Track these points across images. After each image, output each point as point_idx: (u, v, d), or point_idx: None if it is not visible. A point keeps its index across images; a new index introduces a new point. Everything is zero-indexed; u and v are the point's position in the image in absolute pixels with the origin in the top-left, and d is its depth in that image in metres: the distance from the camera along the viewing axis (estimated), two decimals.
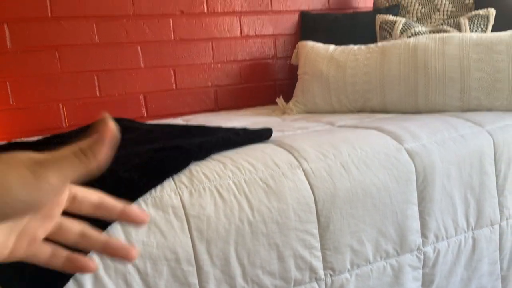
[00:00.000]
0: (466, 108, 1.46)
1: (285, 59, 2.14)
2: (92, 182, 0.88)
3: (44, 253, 0.39)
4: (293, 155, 1.06)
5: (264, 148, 1.09)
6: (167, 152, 1.00)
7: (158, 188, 0.92)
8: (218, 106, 2.00)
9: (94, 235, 0.41)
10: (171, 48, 1.87)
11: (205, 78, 1.95)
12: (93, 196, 0.41)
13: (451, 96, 1.45)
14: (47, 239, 0.39)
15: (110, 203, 0.41)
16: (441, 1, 1.86)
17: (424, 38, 1.54)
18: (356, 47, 1.68)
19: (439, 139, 1.21)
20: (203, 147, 1.02)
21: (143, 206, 0.88)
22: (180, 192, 0.92)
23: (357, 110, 1.64)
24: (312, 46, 1.78)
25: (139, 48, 1.82)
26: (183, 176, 0.95)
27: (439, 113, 1.46)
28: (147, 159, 0.98)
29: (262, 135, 1.17)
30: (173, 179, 0.94)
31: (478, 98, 1.43)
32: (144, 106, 1.85)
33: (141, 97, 1.84)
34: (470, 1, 1.83)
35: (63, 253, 0.40)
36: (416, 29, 1.74)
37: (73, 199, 0.40)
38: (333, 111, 1.68)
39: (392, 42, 1.61)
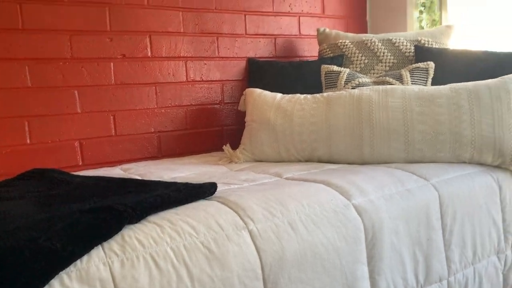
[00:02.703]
0: (410, 159, 1.46)
1: (232, 105, 2.10)
2: (6, 254, 0.76)
3: None
4: (238, 214, 0.99)
5: (208, 206, 1.01)
6: (96, 215, 0.90)
7: (85, 258, 0.81)
8: (162, 153, 1.91)
9: None
10: (111, 93, 1.78)
11: (148, 124, 1.87)
12: None
13: (396, 148, 1.46)
14: None
15: None
16: (383, 53, 1.92)
17: (367, 90, 1.56)
18: (302, 96, 1.67)
19: (386, 194, 1.19)
20: (138, 208, 0.93)
21: (66, 281, 0.77)
22: (110, 262, 0.82)
23: (304, 159, 1.61)
24: (260, 94, 1.76)
25: (76, 92, 1.71)
26: (114, 243, 0.85)
27: (385, 164, 1.46)
28: (72, 223, 0.87)
29: (205, 192, 1.09)
30: (102, 246, 0.84)
31: (422, 150, 1.44)
32: (79, 154, 1.72)
33: (77, 144, 1.72)
34: (411, 54, 1.90)
35: None
36: (360, 80, 1.76)
37: None
38: (281, 160, 1.64)
39: (337, 93, 1.61)
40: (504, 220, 1.39)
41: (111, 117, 1.79)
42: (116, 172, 1.59)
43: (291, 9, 2.22)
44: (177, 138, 1.95)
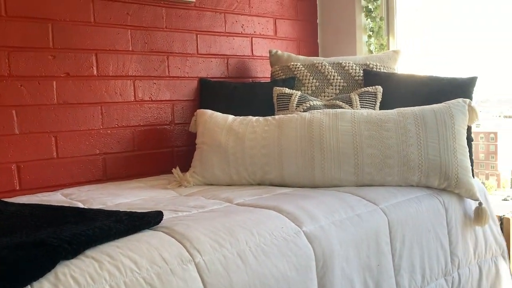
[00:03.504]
0: (360, 182, 1.47)
1: (183, 125, 2.05)
2: None
3: None
4: (184, 246, 0.94)
5: (151, 238, 0.96)
6: (27, 251, 0.82)
7: None
8: (107, 176, 1.81)
9: None
10: (53, 113, 1.68)
11: (93, 145, 1.78)
12: None
13: (346, 171, 1.46)
14: None
15: None
16: (334, 76, 1.95)
17: (318, 114, 1.56)
18: (254, 118, 1.66)
19: (336, 220, 1.18)
20: (75, 241, 0.86)
21: None
22: None
23: (256, 182, 1.58)
24: (211, 115, 1.72)
25: (14, 112, 1.60)
26: (45, 282, 0.78)
27: (336, 187, 1.45)
28: None
29: (150, 221, 1.04)
30: (31, 287, 0.76)
31: (371, 173, 1.45)
32: (16, 178, 1.60)
33: (14, 167, 1.60)
34: (360, 78, 1.93)
35: None
36: (311, 103, 1.77)
37: None
38: (232, 183, 1.60)
39: (288, 116, 1.60)
40: (450, 243, 1.42)
41: (53, 138, 1.69)
42: (56, 198, 1.49)
43: (244, 30, 2.22)
44: (123, 160, 1.86)
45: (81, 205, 1.36)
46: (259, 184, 1.58)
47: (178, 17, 2.00)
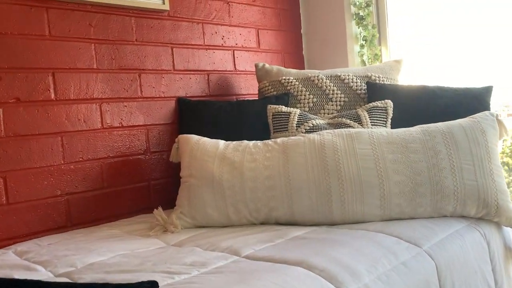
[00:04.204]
0: (387, 217, 1.23)
1: (160, 154, 1.75)
2: None
3: None
4: None
5: None
6: None
7: None
8: (72, 222, 1.49)
9: None
10: (0, 148, 1.35)
11: (53, 185, 1.45)
12: None
13: (370, 204, 1.22)
14: None
15: None
16: (333, 91, 1.72)
17: (329, 135, 1.32)
18: (251, 143, 1.39)
19: (381, 273, 0.93)
20: None
21: None
22: None
23: (259, 221, 1.32)
24: (197, 142, 1.44)
25: None
26: None
27: (359, 224, 1.21)
28: None
29: None
30: None
31: (400, 205, 1.22)
32: None
33: None
34: (362, 91, 1.71)
35: None
36: (314, 122, 1.53)
37: None
38: (230, 224, 1.33)
39: (293, 139, 1.35)
40: (496, 282, 1.21)
41: (1, 181, 1.35)
42: (8, 259, 1.16)
43: (224, 42, 1.96)
44: (91, 200, 1.54)
45: (42, 270, 1.04)
46: (262, 223, 1.32)
47: (150, 28, 1.72)
